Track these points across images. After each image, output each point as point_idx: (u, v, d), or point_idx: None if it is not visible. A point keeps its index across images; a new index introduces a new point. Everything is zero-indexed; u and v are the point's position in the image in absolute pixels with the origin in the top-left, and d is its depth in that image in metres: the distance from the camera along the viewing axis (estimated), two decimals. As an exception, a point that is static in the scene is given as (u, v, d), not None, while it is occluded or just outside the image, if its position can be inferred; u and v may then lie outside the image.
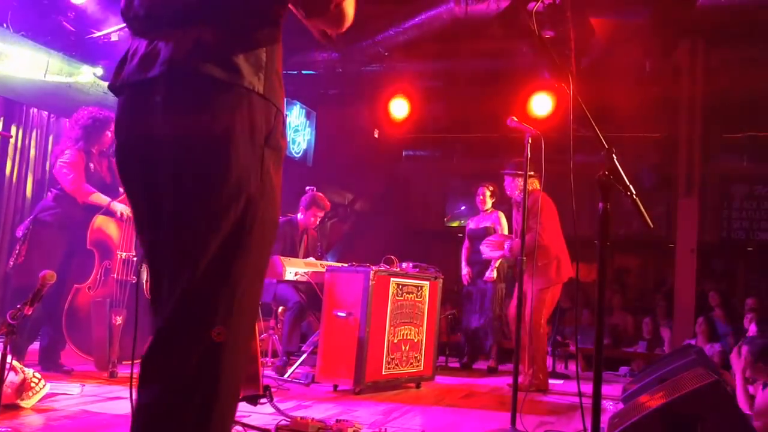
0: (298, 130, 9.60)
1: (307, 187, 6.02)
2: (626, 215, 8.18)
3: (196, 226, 1.46)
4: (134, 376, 1.65)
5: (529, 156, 3.85)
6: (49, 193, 4.82)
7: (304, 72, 8.73)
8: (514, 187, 5.58)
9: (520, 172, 5.30)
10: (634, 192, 2.01)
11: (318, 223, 6.06)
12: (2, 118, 6.05)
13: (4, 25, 5.83)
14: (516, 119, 3.84)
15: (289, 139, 9.26)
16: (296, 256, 5.68)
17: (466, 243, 6.77)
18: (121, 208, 4.72)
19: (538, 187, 5.19)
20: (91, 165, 4.74)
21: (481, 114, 8.87)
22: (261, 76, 1.50)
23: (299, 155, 9.58)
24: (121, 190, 4.90)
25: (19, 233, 4.61)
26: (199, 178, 1.46)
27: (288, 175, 6.85)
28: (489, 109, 7.96)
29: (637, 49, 7.52)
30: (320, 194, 5.98)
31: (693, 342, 7.10)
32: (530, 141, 3.81)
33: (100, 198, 4.70)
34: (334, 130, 9.84)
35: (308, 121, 9.79)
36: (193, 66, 1.45)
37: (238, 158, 1.45)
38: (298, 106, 9.44)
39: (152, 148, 1.50)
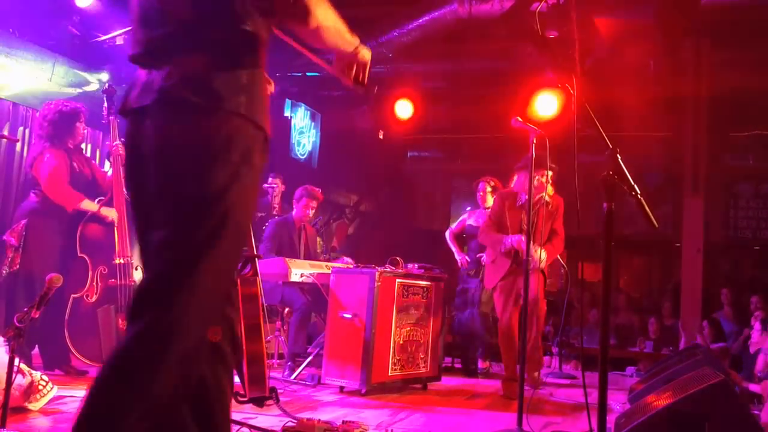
0: (303, 132, 9.62)
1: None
2: (632, 215, 8.16)
3: (175, 234, 1.65)
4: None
5: (534, 156, 3.84)
6: (32, 195, 4.66)
7: (308, 74, 8.73)
8: (525, 184, 5.34)
9: (540, 170, 4.93)
10: (638, 192, 2.00)
11: (312, 215, 5.97)
12: (8, 123, 6.07)
13: (10, 30, 5.85)
14: (520, 119, 3.84)
15: (294, 141, 9.28)
16: (297, 256, 5.67)
17: (454, 228, 6.69)
18: (110, 213, 4.67)
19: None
20: (75, 164, 4.65)
21: (486, 114, 8.85)
22: (242, 98, 1.68)
23: (304, 157, 9.59)
24: (105, 189, 4.86)
25: (13, 240, 4.51)
26: (178, 193, 1.66)
27: (293, 177, 6.82)
28: (493, 110, 7.95)
29: (642, 48, 7.50)
30: (311, 186, 5.94)
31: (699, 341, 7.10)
32: (535, 141, 3.80)
33: (89, 205, 4.63)
34: (339, 131, 9.85)
35: (313, 123, 9.80)
36: (178, 94, 1.65)
37: (215, 176, 1.63)
38: (302, 108, 9.45)
39: (144, 165, 1.71)
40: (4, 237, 4.57)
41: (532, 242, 4.68)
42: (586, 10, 6.64)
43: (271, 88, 2.14)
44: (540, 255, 4.90)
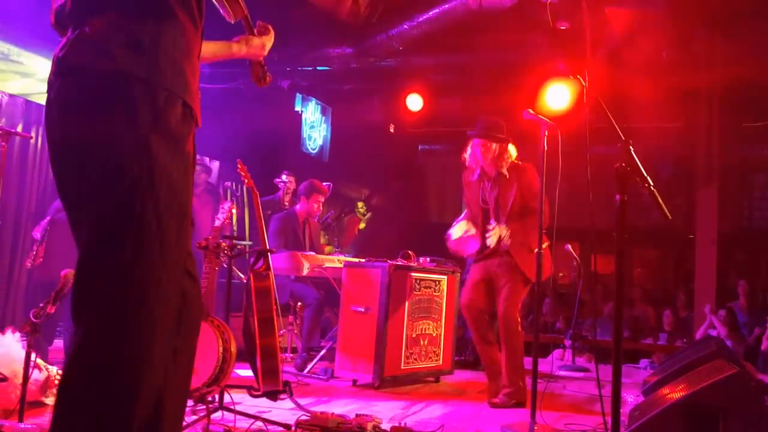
0: (314, 126, 9.61)
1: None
2: (645, 206, 8.11)
3: (85, 211, 1.53)
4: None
5: (546, 148, 3.82)
6: None
7: (318, 68, 8.73)
8: (485, 155, 4.45)
9: (500, 137, 4.43)
10: (651, 184, 1.99)
11: (318, 209, 5.98)
12: (21, 122, 6.11)
13: (23, 32, 5.89)
14: (532, 111, 3.82)
15: (305, 135, 9.27)
16: (302, 249, 5.67)
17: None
18: None
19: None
20: None
21: (497, 107, 8.78)
22: (142, 60, 1.51)
23: (315, 151, 9.59)
24: None
25: (37, 235, 4.63)
26: (79, 166, 1.52)
27: (304, 171, 6.81)
28: (505, 102, 7.90)
29: (654, 39, 7.44)
30: (317, 180, 5.94)
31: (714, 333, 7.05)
32: (547, 133, 3.78)
33: None
34: (350, 125, 9.84)
35: (324, 117, 9.79)
36: (73, 60, 1.52)
37: (114, 146, 1.48)
38: (313, 102, 9.45)
39: (50, 140, 1.59)
40: (32, 232, 4.73)
41: (491, 221, 4.40)
42: (597, 0, 6.59)
43: (266, 79, 2.18)
44: (501, 234, 4.34)
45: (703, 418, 2.92)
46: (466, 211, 4.71)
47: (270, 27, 2.14)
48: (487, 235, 4.42)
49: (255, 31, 2.10)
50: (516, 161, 4.50)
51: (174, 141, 1.55)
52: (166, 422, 1.57)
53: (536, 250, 3.74)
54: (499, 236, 4.36)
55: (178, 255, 1.58)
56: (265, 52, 2.13)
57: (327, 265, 5.30)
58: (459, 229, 4.51)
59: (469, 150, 4.55)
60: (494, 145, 4.42)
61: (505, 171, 4.44)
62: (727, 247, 8.42)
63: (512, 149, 4.48)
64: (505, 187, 4.43)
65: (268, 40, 2.12)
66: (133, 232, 1.48)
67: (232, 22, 2.03)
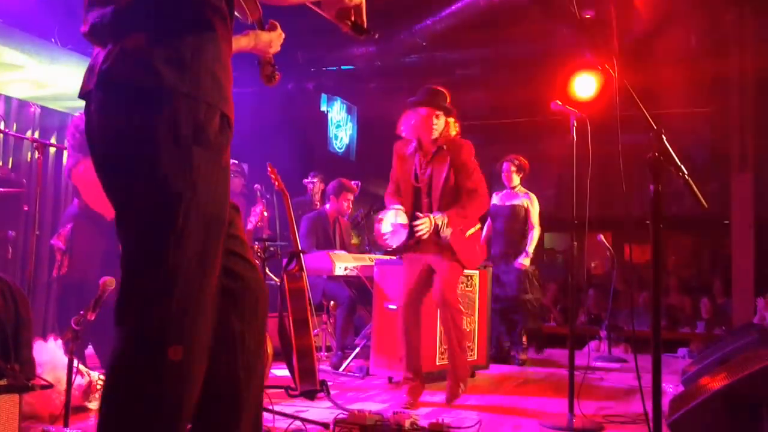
0: (340, 125, 9.65)
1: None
2: (678, 193, 7.98)
3: (129, 219, 1.57)
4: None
5: (575, 139, 3.78)
6: (75, 200, 4.80)
7: (343, 68, 8.76)
8: (429, 126, 3.99)
9: (448, 107, 4.04)
10: (686, 172, 1.96)
11: (348, 207, 5.96)
12: (56, 132, 6.23)
13: (52, 40, 6.00)
14: (560, 103, 3.78)
15: (331, 135, 9.31)
16: (333, 248, 5.68)
17: (489, 222, 6.25)
18: None
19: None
20: None
21: (524, 99, 8.75)
22: (185, 76, 1.54)
23: (342, 150, 9.63)
24: None
25: (60, 244, 4.63)
26: (123, 178, 1.57)
27: (332, 171, 6.85)
28: (531, 94, 7.84)
29: (682, 23, 7.32)
30: (345, 179, 5.95)
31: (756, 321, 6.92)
32: (575, 124, 3.75)
33: None
34: (376, 122, 9.86)
35: (350, 116, 9.83)
36: (116, 74, 1.54)
37: (158, 159, 1.51)
38: (338, 101, 9.49)
39: (92, 150, 1.63)
40: (52, 241, 4.72)
41: (427, 207, 3.94)
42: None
43: (275, 78, 2.17)
44: (438, 222, 3.87)
45: (746, 408, 2.87)
46: (390, 185, 4.22)
47: (278, 25, 2.14)
48: (417, 223, 3.86)
49: (266, 28, 2.12)
50: (456, 137, 4.08)
51: (214, 152, 1.59)
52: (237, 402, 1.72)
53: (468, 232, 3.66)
54: (436, 226, 3.88)
55: (217, 261, 1.62)
56: (273, 49, 2.13)
57: (359, 263, 5.32)
58: (387, 223, 3.91)
59: (406, 119, 4.09)
60: (441, 116, 4.00)
61: (444, 146, 4.01)
62: (764, 232, 8.24)
63: (453, 123, 4.06)
64: (440, 163, 4.00)
65: (277, 37, 2.13)
66: (175, 242, 1.52)
67: (249, 22, 2.05)
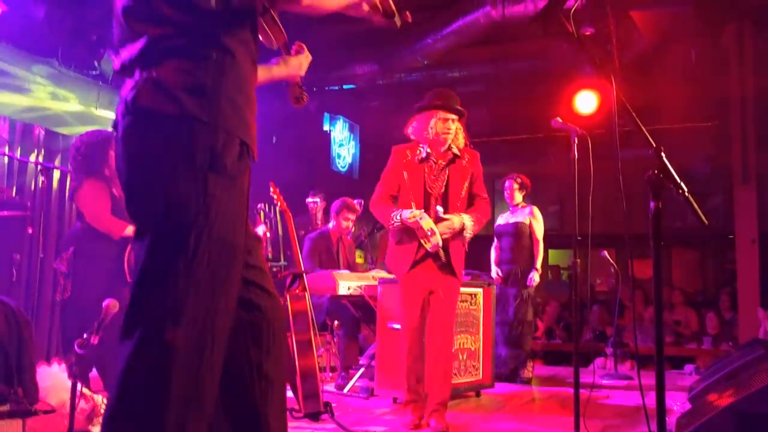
0: (343, 144, 9.68)
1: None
2: (681, 208, 7.97)
3: (144, 239, 1.61)
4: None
5: (576, 156, 3.78)
6: (78, 222, 4.71)
7: (344, 87, 8.81)
8: (446, 131, 3.85)
9: (462, 110, 3.94)
10: (686, 190, 1.96)
11: (350, 227, 5.98)
12: (60, 155, 6.25)
13: (56, 62, 6.05)
14: (560, 120, 3.79)
15: (334, 154, 9.33)
16: (336, 267, 5.68)
17: (496, 242, 6.25)
18: None
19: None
20: (114, 191, 4.71)
21: (525, 115, 8.78)
22: (205, 104, 1.59)
23: (345, 169, 9.64)
24: None
25: (62, 267, 4.60)
26: (143, 202, 1.64)
27: (335, 189, 6.86)
28: (533, 110, 7.88)
29: (682, 38, 7.35)
30: (348, 198, 5.96)
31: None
32: (576, 140, 3.75)
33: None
34: (378, 141, 9.89)
35: (352, 135, 9.86)
36: (139, 101, 1.60)
37: (174, 184, 1.57)
38: (341, 120, 9.52)
39: (118, 173, 1.72)
40: (55, 265, 4.68)
41: (443, 212, 3.74)
42: (622, 3, 6.55)
43: (303, 99, 2.18)
44: (466, 222, 3.78)
45: (754, 425, 2.84)
46: (378, 190, 4.03)
47: (304, 46, 2.17)
48: (445, 216, 3.74)
49: (292, 51, 2.13)
50: (466, 145, 3.98)
51: (231, 180, 1.64)
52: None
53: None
54: (462, 225, 3.76)
55: (230, 287, 1.65)
56: (303, 72, 2.15)
57: (362, 282, 5.31)
58: (427, 221, 3.70)
59: (416, 123, 3.94)
60: (456, 121, 3.86)
61: (460, 154, 3.89)
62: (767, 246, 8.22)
63: (461, 129, 3.92)
64: (459, 171, 3.87)
65: (305, 60, 2.15)
66: (186, 267, 1.56)
67: (275, 48, 2.07)
